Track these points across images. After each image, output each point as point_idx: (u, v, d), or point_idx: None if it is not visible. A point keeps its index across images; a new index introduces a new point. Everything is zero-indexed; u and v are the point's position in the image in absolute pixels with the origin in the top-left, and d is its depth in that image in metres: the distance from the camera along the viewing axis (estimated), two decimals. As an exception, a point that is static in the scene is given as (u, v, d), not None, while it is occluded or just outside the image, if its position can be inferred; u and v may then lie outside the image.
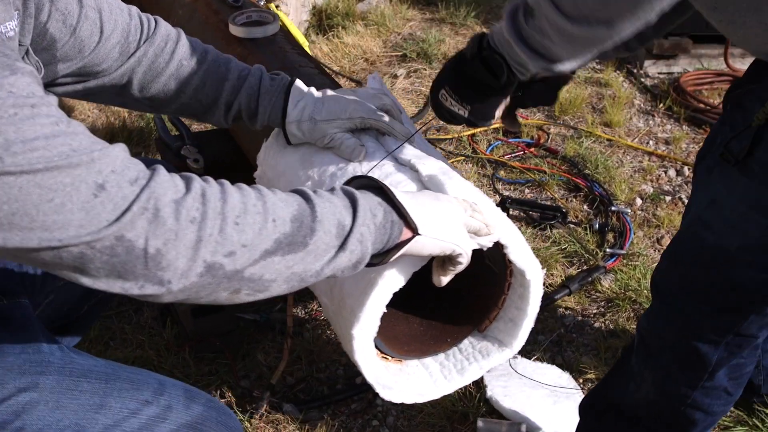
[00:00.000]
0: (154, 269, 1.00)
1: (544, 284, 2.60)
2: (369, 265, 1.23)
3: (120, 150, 1.02)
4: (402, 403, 2.13)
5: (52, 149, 0.93)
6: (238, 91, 1.63)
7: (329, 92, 1.64)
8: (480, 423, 2.04)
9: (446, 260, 1.33)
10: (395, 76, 3.89)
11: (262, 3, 2.55)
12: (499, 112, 1.56)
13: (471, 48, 1.47)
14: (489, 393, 2.16)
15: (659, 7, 1.20)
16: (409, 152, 1.58)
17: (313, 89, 1.64)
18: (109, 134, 3.37)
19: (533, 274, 1.50)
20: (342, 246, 1.15)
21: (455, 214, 1.31)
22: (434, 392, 1.58)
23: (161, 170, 1.04)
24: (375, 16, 4.39)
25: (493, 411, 2.14)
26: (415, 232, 1.23)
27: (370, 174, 1.54)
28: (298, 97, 1.61)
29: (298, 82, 1.64)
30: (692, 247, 1.51)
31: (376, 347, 1.53)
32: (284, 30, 2.32)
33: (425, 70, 3.96)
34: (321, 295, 1.58)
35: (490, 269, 1.58)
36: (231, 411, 1.44)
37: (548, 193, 3.10)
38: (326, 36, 4.26)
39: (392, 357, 1.57)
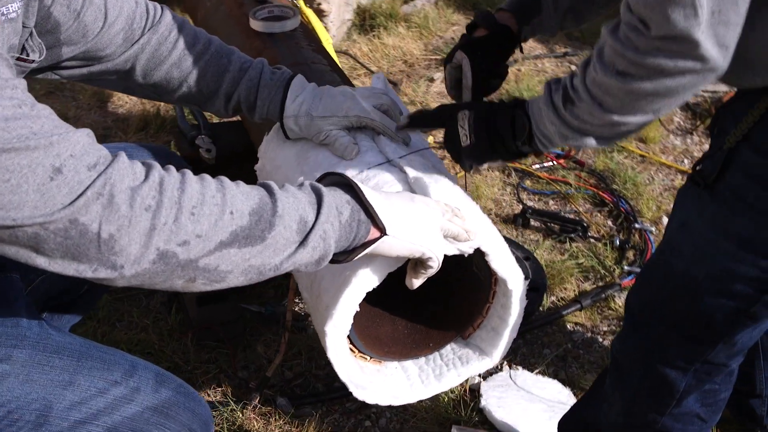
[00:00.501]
0: (107, 253, 1.02)
1: (556, 297, 2.59)
2: (334, 261, 1.23)
3: (82, 135, 1.04)
4: (396, 406, 2.14)
5: (12, 131, 0.96)
6: (238, 82, 1.64)
7: (329, 89, 1.64)
8: (455, 430, 2.02)
9: (418, 263, 1.33)
10: (431, 80, 3.89)
11: (288, -2, 2.57)
12: (486, 167, 1.56)
13: (512, 104, 1.47)
14: (483, 402, 2.14)
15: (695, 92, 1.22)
16: (400, 153, 1.58)
17: (313, 85, 1.65)
18: (143, 121, 3.43)
19: (515, 283, 1.48)
20: (303, 242, 1.15)
21: (430, 218, 1.30)
22: (410, 396, 1.57)
23: (122, 157, 1.05)
24: (418, 18, 4.38)
25: (485, 421, 2.12)
26: (382, 232, 1.23)
27: (360, 173, 1.54)
28: (297, 92, 1.62)
29: (299, 78, 1.65)
30: (662, 271, 1.50)
31: (355, 347, 1.53)
32: (305, 26, 2.34)
33: (463, 75, 3.93)
34: (303, 290, 1.58)
35: (477, 276, 1.57)
36: (201, 398, 1.46)
37: (573, 206, 3.06)
38: (367, 36, 4.26)
39: (371, 357, 1.57)
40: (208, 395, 2.20)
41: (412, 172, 1.51)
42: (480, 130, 1.48)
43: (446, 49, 4.14)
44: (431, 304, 1.67)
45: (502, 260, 1.46)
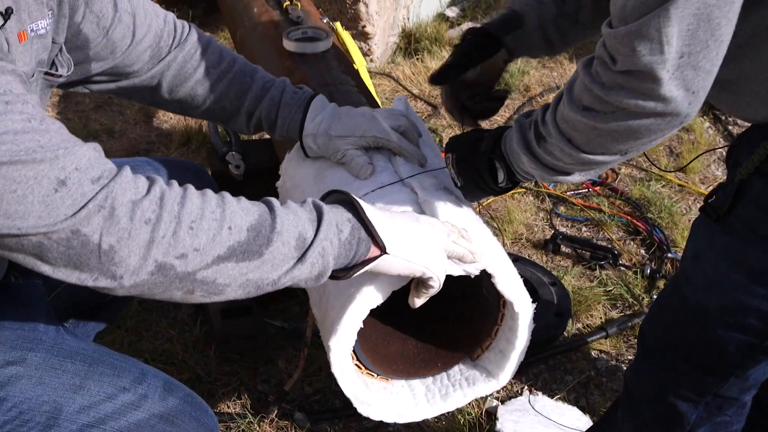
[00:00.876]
0: (107, 264, 1.07)
1: (582, 324, 2.57)
2: (333, 278, 1.25)
3: (88, 149, 1.09)
4: (413, 427, 2.16)
5: (20, 144, 1.01)
6: (260, 100, 1.69)
7: (348, 109, 1.68)
8: None
9: (420, 282, 1.34)
10: (472, 104, 3.90)
11: (325, 20, 2.62)
12: (485, 199, 1.57)
13: (487, 143, 1.46)
14: (499, 426, 2.13)
15: (668, 135, 1.19)
16: (415, 174, 1.60)
17: (333, 105, 1.68)
18: (186, 137, 3.51)
19: (521, 306, 1.49)
20: (301, 258, 1.18)
21: (433, 238, 1.32)
22: (415, 414, 1.59)
23: (126, 171, 1.10)
24: (463, 42, 4.40)
25: (500, 444, 2.12)
26: (382, 250, 1.25)
27: (371, 192, 1.57)
28: (317, 111, 1.66)
29: (320, 97, 1.69)
30: (674, 302, 1.48)
31: (362, 364, 1.55)
32: (338, 48, 2.38)
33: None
34: (313, 306, 1.61)
35: (486, 298, 1.58)
36: (208, 408, 1.49)
37: (606, 233, 3.04)
38: (411, 59, 4.30)
39: (378, 375, 1.59)
40: (228, 407, 2.24)
41: (422, 193, 1.53)
42: (464, 173, 1.49)
43: (489, 73, 4.16)
44: (442, 325, 1.68)
45: (508, 282, 1.47)
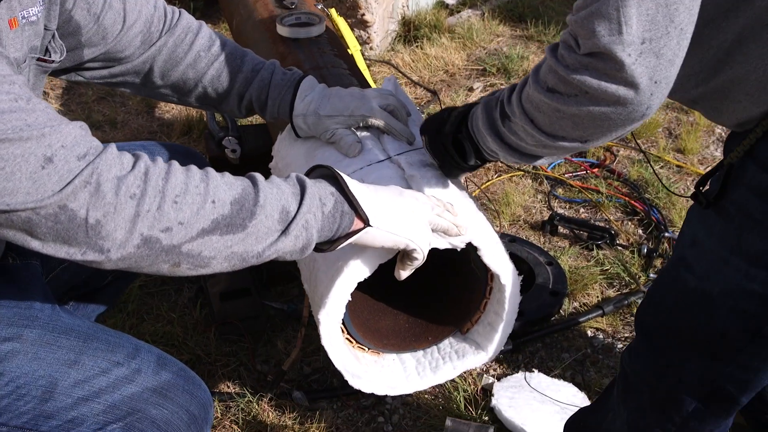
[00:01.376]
0: (94, 238, 1.10)
1: (578, 303, 2.60)
2: (318, 250, 1.28)
3: (74, 127, 1.12)
4: (409, 403, 2.19)
5: (7, 123, 1.05)
6: (250, 82, 1.71)
7: (338, 90, 1.70)
8: (448, 422, 2.05)
9: (404, 255, 1.37)
10: (471, 89, 3.92)
11: (320, 6, 2.64)
12: (463, 177, 1.59)
13: (451, 125, 1.48)
14: (494, 401, 2.16)
15: (632, 129, 1.19)
16: (403, 152, 1.63)
17: (323, 86, 1.71)
18: (187, 126, 3.55)
19: (507, 278, 1.52)
20: (285, 231, 1.20)
21: (417, 211, 1.34)
22: (406, 387, 1.62)
23: (111, 148, 1.13)
24: (462, 29, 4.43)
25: (496, 420, 2.14)
26: (366, 223, 1.27)
27: (360, 170, 1.60)
28: (306, 92, 1.68)
29: (309, 78, 1.71)
30: (675, 288, 1.46)
31: (353, 338, 1.58)
32: (332, 33, 2.41)
33: (502, 85, 3.97)
34: (304, 282, 1.64)
35: (475, 272, 1.60)
36: (202, 382, 1.52)
37: (603, 215, 3.06)
38: (411, 46, 4.32)
39: (369, 349, 1.61)
40: (227, 387, 2.27)
41: (409, 169, 1.56)
42: (437, 154, 1.53)
43: (489, 60, 4.18)
44: (432, 300, 1.71)
45: (494, 255, 1.49)
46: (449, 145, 1.47)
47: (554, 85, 1.17)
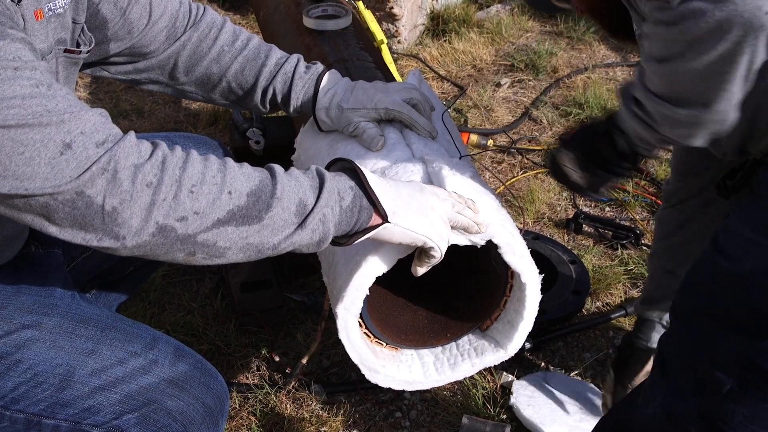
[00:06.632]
0: (110, 224, 1.10)
1: (601, 303, 2.57)
2: (335, 244, 1.27)
3: (94, 114, 1.12)
4: (427, 400, 2.18)
5: (27, 108, 1.05)
6: (274, 76, 1.71)
7: (361, 83, 1.69)
8: (465, 420, 2.04)
9: (422, 252, 1.36)
10: (498, 85, 3.90)
11: (347, -1, 2.63)
12: (606, 191, 1.60)
13: (604, 124, 1.51)
14: (513, 400, 2.15)
15: (747, 84, 1.21)
16: (425, 146, 1.62)
17: (346, 79, 1.70)
18: (213, 117, 3.56)
19: (529, 277, 1.50)
20: (302, 224, 1.20)
21: (437, 208, 1.33)
22: (423, 383, 1.60)
23: (130, 136, 1.13)
24: (491, 24, 4.40)
25: (514, 418, 2.13)
26: (384, 219, 1.26)
27: (381, 163, 1.58)
28: (330, 85, 1.68)
29: (332, 72, 1.70)
30: (709, 271, 1.48)
31: (371, 332, 1.58)
32: (358, 25, 2.40)
33: (530, 81, 3.94)
34: (324, 275, 1.63)
35: (496, 270, 1.59)
36: (218, 374, 1.52)
37: (629, 214, 3.03)
38: (439, 41, 4.30)
39: (387, 344, 1.61)
40: (246, 378, 2.28)
41: (431, 164, 1.54)
42: (589, 168, 1.55)
43: (517, 55, 4.15)
44: (452, 296, 1.70)
45: (515, 253, 1.47)
46: (609, 146, 1.49)
47: (660, 51, 1.24)
